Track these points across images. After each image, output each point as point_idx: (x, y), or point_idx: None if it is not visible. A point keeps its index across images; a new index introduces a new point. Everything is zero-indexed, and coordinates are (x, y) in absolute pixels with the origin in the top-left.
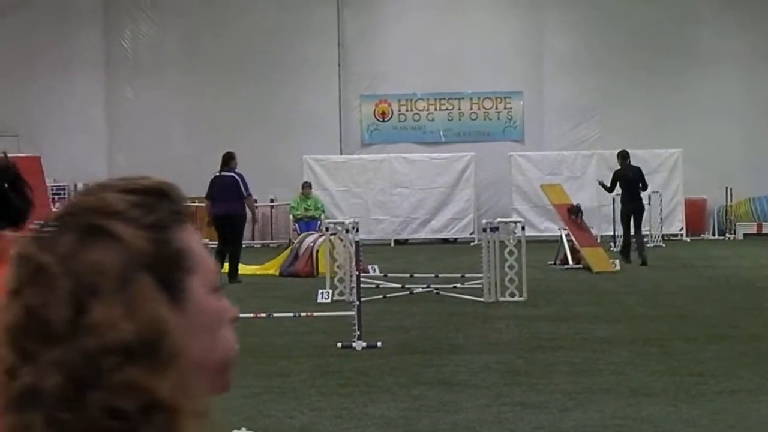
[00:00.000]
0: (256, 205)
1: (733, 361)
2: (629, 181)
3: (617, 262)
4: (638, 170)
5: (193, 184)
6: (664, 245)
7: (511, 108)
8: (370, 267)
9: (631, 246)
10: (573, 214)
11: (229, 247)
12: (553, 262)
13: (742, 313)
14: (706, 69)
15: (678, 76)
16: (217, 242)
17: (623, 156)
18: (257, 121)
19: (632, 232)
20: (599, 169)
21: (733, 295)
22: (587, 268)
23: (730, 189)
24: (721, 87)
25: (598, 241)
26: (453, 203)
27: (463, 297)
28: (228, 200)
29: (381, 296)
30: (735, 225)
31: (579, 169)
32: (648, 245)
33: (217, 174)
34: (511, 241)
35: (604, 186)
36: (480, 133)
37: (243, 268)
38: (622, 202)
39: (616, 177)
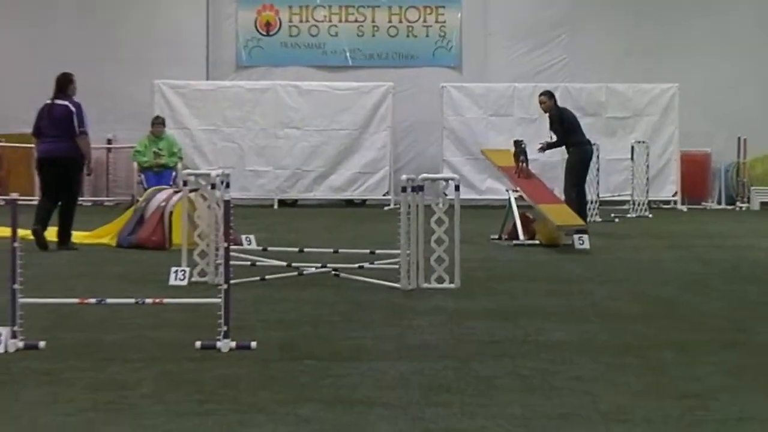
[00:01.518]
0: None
1: (742, 379)
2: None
3: (585, 238)
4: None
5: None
6: (650, 215)
7: (444, 22)
8: (244, 238)
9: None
10: (520, 154)
11: (59, 200)
12: (497, 237)
13: (756, 313)
14: None
15: None
16: (42, 193)
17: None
18: (95, 36)
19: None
20: None
21: (744, 288)
22: (547, 245)
23: (744, 141)
24: (732, 12)
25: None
26: (361, 152)
27: (372, 281)
28: (57, 137)
29: (258, 278)
30: (749, 190)
31: (537, 109)
32: (629, 215)
33: (48, 102)
34: (441, 205)
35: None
36: (401, 55)
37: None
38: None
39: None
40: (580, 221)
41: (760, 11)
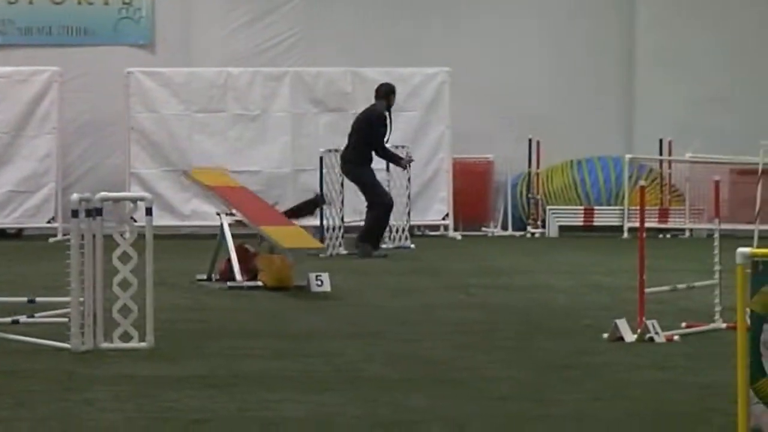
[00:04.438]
0: None
1: None
2: None
3: (325, 277)
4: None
5: None
6: (413, 246)
7: None
8: None
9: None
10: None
11: None
12: (206, 277)
13: (555, 377)
14: None
15: None
16: None
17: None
18: None
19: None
20: (295, 103)
21: (540, 344)
22: (273, 288)
23: (538, 144)
24: None
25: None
26: (16, 163)
27: (32, 341)
28: None
29: None
30: (544, 211)
31: (258, 102)
32: (385, 245)
33: None
34: (127, 235)
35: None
36: (70, 30)
37: None
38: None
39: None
40: (316, 243)
41: None
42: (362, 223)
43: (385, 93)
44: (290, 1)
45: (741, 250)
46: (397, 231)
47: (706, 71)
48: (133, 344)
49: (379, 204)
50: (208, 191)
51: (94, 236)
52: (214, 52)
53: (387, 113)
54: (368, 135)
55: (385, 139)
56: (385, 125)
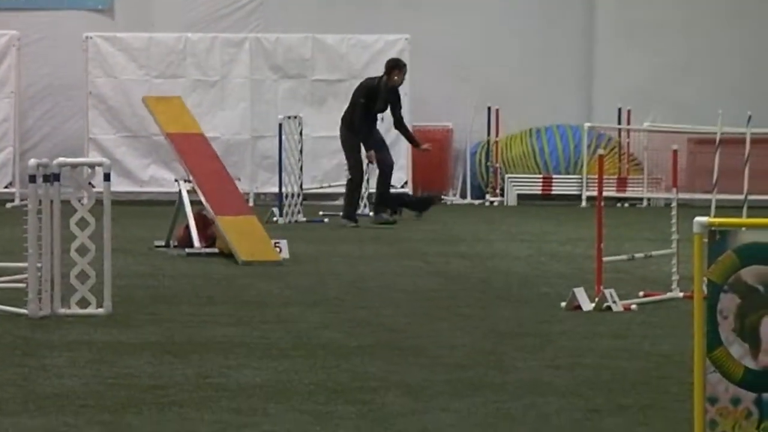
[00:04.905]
0: None
1: (491, 431)
2: None
3: (283, 244)
4: None
5: None
6: (371, 214)
7: None
8: None
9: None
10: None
11: None
12: (164, 244)
13: (512, 344)
14: None
15: None
16: None
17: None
18: None
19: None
20: (254, 70)
21: (497, 311)
22: (229, 255)
23: (497, 112)
24: None
25: (251, 204)
26: None
27: None
28: None
29: None
30: (503, 179)
31: (217, 68)
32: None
33: None
34: (85, 201)
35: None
36: None
37: None
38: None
39: None
40: (274, 255)
41: None
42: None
43: (386, 68)
44: None
45: (698, 219)
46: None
47: (665, 41)
48: (91, 310)
49: (351, 176)
50: (164, 136)
51: (51, 202)
52: (173, 17)
53: (379, 87)
54: (352, 104)
55: (378, 113)
56: (370, 98)
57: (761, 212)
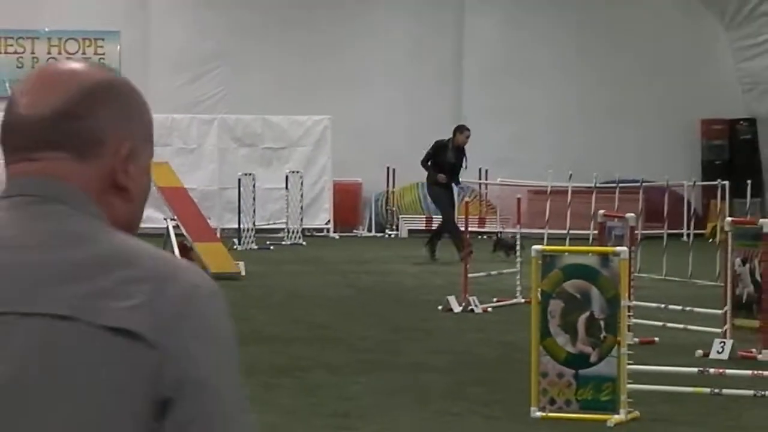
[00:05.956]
0: None
1: (389, 398)
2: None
3: (241, 265)
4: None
5: None
6: (304, 243)
7: (103, 54)
8: None
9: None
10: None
11: None
12: None
13: (403, 335)
14: (373, 29)
15: (330, 30)
16: None
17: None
18: None
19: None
20: (221, 140)
21: (393, 312)
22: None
23: (393, 170)
24: (385, 45)
25: (218, 235)
26: None
27: None
28: None
29: None
30: (398, 218)
31: (195, 139)
32: (284, 242)
33: None
34: None
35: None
36: None
37: None
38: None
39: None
40: (234, 267)
41: (410, 44)
42: (269, 226)
43: (454, 131)
44: (218, 67)
45: (535, 247)
46: (294, 232)
47: (513, 121)
48: None
49: (442, 221)
50: (157, 190)
51: None
52: (165, 102)
53: (449, 146)
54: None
55: (453, 167)
56: (439, 153)
57: (579, 242)
